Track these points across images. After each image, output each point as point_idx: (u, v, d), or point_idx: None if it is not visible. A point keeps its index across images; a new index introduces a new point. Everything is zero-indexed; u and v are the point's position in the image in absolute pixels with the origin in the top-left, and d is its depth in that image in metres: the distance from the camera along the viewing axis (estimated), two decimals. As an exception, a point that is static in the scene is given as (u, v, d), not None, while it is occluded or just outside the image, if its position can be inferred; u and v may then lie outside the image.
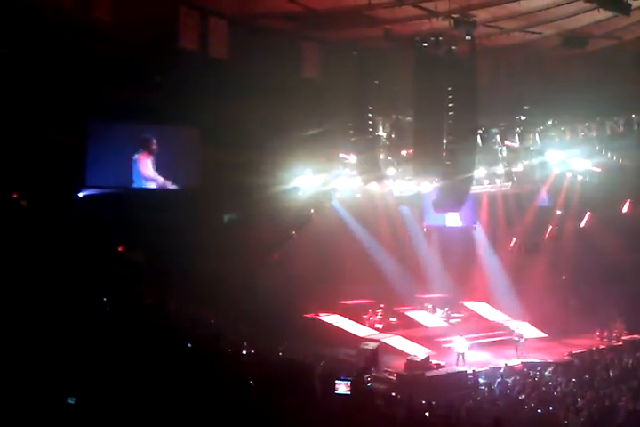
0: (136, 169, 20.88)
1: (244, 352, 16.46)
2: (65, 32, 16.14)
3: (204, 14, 16.82)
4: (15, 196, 18.27)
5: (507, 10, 16.75)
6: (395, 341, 22.48)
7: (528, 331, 23.81)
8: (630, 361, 19.53)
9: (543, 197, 25.46)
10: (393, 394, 15.54)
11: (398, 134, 21.21)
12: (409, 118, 19.92)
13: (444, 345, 22.99)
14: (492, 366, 20.35)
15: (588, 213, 26.75)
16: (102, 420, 8.67)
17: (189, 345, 13.06)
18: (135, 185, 20.92)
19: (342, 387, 12.39)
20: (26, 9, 15.03)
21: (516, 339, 22.53)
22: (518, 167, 21.84)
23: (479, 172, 20.83)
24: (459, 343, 21.64)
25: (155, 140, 21.02)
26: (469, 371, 19.55)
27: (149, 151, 21.00)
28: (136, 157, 20.86)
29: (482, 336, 24.23)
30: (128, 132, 20.85)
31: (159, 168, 21.20)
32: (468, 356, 21.46)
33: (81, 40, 16.45)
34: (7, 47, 15.82)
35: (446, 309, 26.19)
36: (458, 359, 21.09)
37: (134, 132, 20.95)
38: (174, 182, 21.38)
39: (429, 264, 27.09)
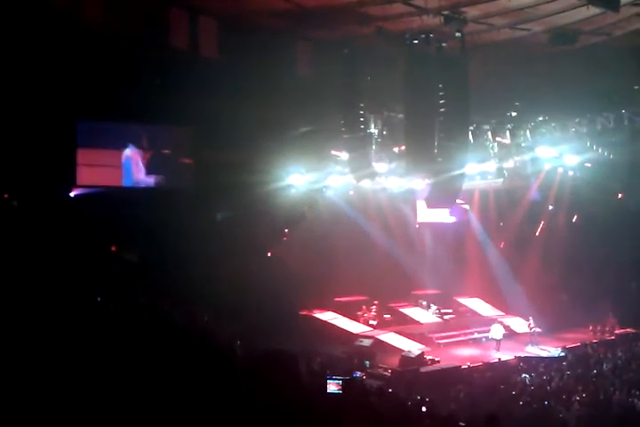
0: (128, 167, 20.84)
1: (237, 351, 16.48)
2: (55, 31, 16.07)
3: (194, 13, 16.81)
4: (6, 196, 18.22)
5: (496, 6, 16.78)
6: (389, 337, 22.57)
7: (520, 326, 23.99)
8: (623, 355, 19.68)
9: (534, 192, 25.58)
10: (390, 390, 15.60)
11: (390, 131, 21.25)
12: (400, 115, 19.94)
13: (438, 341, 23.10)
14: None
15: (580, 209, 26.90)
16: (100, 418, 8.69)
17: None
18: (127, 183, 20.87)
19: (333, 386, 12.28)
20: (20, 7, 14.96)
21: (532, 330, 23.26)
22: (510, 163, 21.94)
23: (471, 168, 20.89)
24: (495, 330, 22.33)
25: (145, 136, 20.94)
26: (464, 366, 19.69)
27: (140, 147, 20.93)
28: (127, 154, 20.81)
29: (475, 331, 24.35)
30: (119, 132, 20.80)
31: (152, 168, 21.17)
32: (463, 351, 21.65)
33: (71, 39, 16.38)
34: None
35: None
36: (497, 346, 22.08)
37: (125, 132, 20.90)
38: (167, 182, 21.35)
39: (422, 260, 27.14)
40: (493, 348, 22.13)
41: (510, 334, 24.34)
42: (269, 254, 23.73)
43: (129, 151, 20.87)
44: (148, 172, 21.17)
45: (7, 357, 9.84)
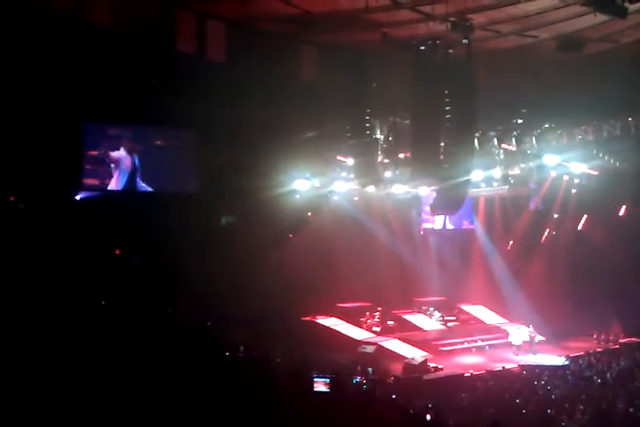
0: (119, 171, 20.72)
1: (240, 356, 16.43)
2: (62, 34, 16.13)
3: (201, 17, 16.87)
4: (12, 199, 18.24)
5: (503, 13, 16.81)
6: (392, 344, 22.49)
7: (525, 334, 23.88)
8: (627, 364, 19.56)
9: (539, 200, 25.53)
10: (393, 397, 15.53)
11: (396, 137, 21.24)
12: (406, 121, 19.93)
13: (441, 348, 23.01)
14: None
15: (586, 216, 26.85)
16: (104, 416, 8.71)
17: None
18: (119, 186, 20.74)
19: (321, 385, 11.99)
20: (24, 10, 15.03)
21: (532, 338, 23.21)
22: (515, 170, 21.91)
23: (476, 175, 20.86)
24: (514, 335, 22.65)
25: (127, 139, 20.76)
26: (468, 374, 19.60)
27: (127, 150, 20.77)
28: (117, 157, 20.64)
29: (479, 339, 24.28)
30: (124, 135, 20.80)
31: (156, 171, 21.17)
32: (466, 359, 21.58)
33: (78, 42, 16.44)
34: (3, 48, 15.81)
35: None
36: (516, 351, 22.36)
37: (130, 135, 20.90)
38: (171, 186, 21.33)
39: (427, 267, 27.10)
40: (512, 353, 22.37)
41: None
42: (273, 259, 23.69)
43: (118, 154, 20.65)
44: (152, 175, 21.12)
45: (13, 358, 9.85)
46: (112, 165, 20.52)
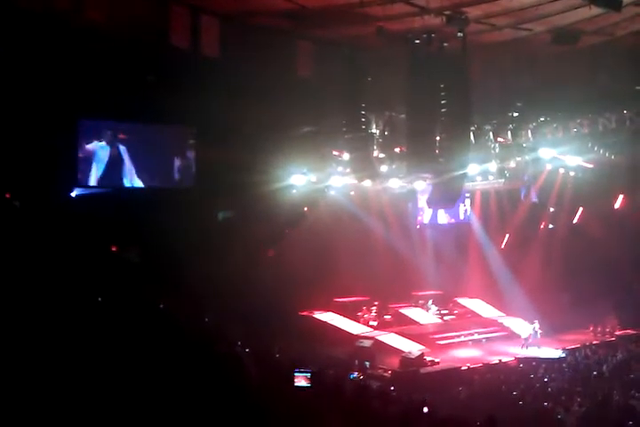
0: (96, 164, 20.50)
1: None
2: (57, 32, 16.07)
3: (195, 12, 16.83)
4: (8, 196, 18.21)
5: (498, 6, 16.81)
6: (389, 338, 22.51)
7: (521, 327, 23.98)
8: (623, 356, 19.64)
9: (535, 193, 25.57)
10: (392, 388, 15.58)
11: (392, 132, 21.24)
12: (402, 115, 19.94)
13: (438, 342, 23.07)
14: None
15: (581, 209, 26.93)
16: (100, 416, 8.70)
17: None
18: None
19: (302, 380, 11.78)
20: (20, 10, 14.98)
21: (533, 332, 23.14)
22: (511, 164, 21.92)
23: (472, 168, 20.88)
24: (522, 328, 22.88)
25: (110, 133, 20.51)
26: (464, 367, 19.67)
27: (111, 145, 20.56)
28: (91, 149, 20.40)
29: (476, 333, 24.34)
30: (120, 132, 20.73)
31: (152, 167, 21.13)
32: (463, 352, 21.63)
33: (73, 39, 16.38)
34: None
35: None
36: (524, 344, 22.31)
37: (126, 132, 20.83)
38: (168, 182, 21.29)
39: (423, 261, 27.12)
40: (521, 346, 22.43)
41: (510, 335, 24.29)
42: (270, 254, 23.70)
43: (94, 146, 20.42)
44: (148, 171, 21.06)
45: (9, 357, 9.84)
46: (94, 159, 20.29)
